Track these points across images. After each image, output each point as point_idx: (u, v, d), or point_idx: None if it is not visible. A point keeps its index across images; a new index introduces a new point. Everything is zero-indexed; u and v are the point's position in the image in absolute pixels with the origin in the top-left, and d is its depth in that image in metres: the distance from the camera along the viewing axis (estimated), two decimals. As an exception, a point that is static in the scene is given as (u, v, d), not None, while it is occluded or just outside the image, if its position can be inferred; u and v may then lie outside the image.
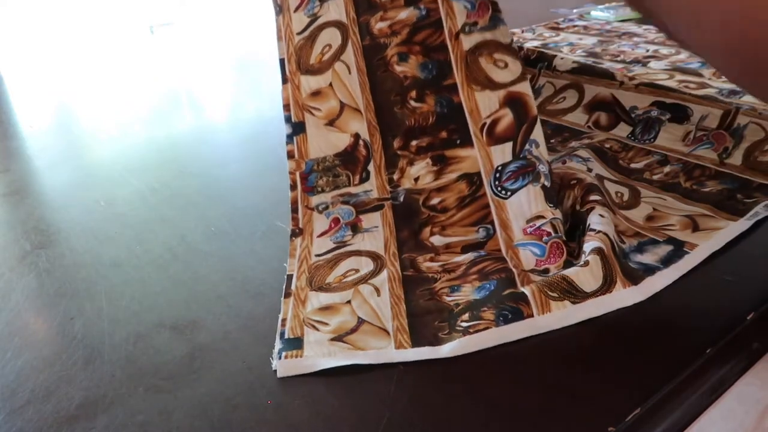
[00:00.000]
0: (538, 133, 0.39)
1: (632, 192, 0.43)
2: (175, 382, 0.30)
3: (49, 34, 1.37)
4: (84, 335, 0.34)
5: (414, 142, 0.41)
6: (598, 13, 1.17)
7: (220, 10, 1.65)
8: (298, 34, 0.43)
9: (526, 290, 0.32)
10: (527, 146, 0.39)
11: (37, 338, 0.35)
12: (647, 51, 0.87)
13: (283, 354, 0.31)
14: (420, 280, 0.35)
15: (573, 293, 0.31)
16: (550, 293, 0.31)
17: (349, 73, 0.42)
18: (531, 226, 0.37)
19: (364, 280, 0.36)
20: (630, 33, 1.00)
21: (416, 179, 0.41)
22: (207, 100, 0.75)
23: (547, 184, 0.38)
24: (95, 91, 0.88)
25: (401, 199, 0.40)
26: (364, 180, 0.41)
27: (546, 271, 0.35)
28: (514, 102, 0.39)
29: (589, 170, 0.45)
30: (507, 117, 0.39)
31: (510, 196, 0.38)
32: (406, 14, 0.41)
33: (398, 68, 0.41)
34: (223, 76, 0.93)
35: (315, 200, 0.40)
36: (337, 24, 0.42)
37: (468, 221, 0.39)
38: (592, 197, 0.39)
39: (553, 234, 0.36)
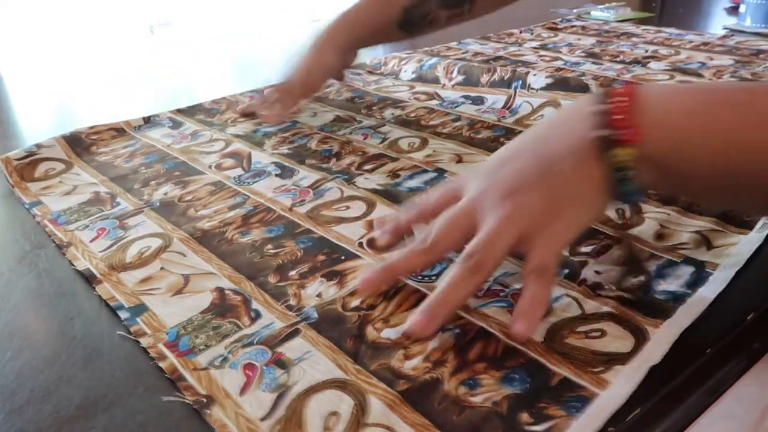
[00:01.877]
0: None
1: (633, 207, 0.43)
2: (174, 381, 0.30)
3: (49, 34, 1.37)
4: (84, 335, 0.34)
5: (293, 272, 0.38)
6: (598, 13, 1.17)
7: (220, 10, 1.65)
8: (102, 251, 0.42)
9: (570, 375, 0.28)
10: None
11: (37, 338, 0.35)
12: (646, 51, 0.87)
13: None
14: (424, 389, 0.28)
15: (616, 359, 0.29)
16: (594, 370, 0.29)
17: (184, 256, 0.41)
18: (480, 290, 0.35)
19: (360, 424, 0.27)
20: (628, 33, 1.00)
21: (319, 295, 0.36)
22: (206, 100, 0.75)
23: None
24: (95, 92, 0.88)
25: (315, 315, 0.34)
26: (256, 319, 0.34)
27: None
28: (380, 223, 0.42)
29: None
30: (384, 236, 0.41)
31: (437, 279, 0.36)
32: (233, 214, 0.46)
33: (244, 239, 0.43)
34: (222, 76, 0.93)
35: (203, 359, 0.31)
36: (154, 235, 0.44)
37: (407, 305, 0.34)
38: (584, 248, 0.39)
39: (507, 289, 0.35)
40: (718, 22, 1.07)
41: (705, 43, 0.90)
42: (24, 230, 0.46)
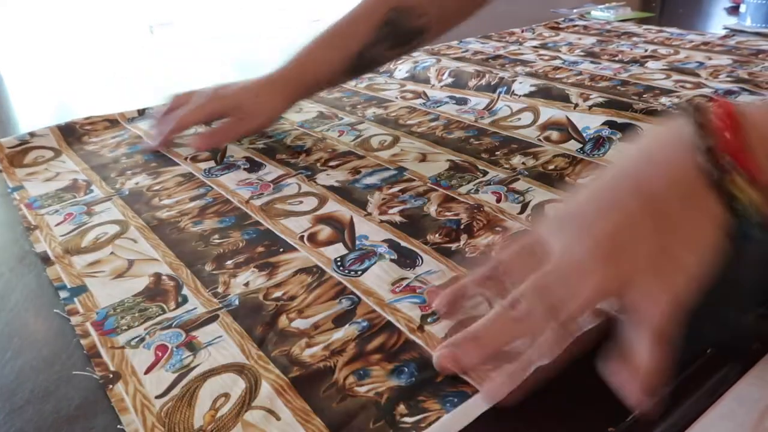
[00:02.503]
0: (364, 228, 0.42)
1: None
2: (175, 382, 0.30)
3: (49, 34, 1.37)
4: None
5: (229, 262, 0.39)
6: (598, 13, 1.17)
7: (220, 10, 1.65)
8: (62, 236, 0.44)
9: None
10: (358, 241, 0.41)
11: (37, 338, 0.35)
12: (645, 51, 0.87)
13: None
14: (314, 377, 0.29)
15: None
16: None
17: (136, 242, 0.42)
18: (398, 286, 0.36)
19: (244, 406, 0.28)
20: (629, 33, 1.00)
21: (246, 284, 0.37)
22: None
23: (395, 257, 0.39)
24: (95, 92, 0.88)
25: (236, 303, 0.35)
26: (182, 303, 0.35)
27: (435, 313, 0.33)
28: (325, 220, 0.44)
29: (527, 202, 0.45)
30: (324, 230, 0.42)
31: (362, 274, 0.37)
32: (192, 204, 0.47)
33: (194, 229, 0.44)
34: (222, 76, 0.93)
35: (123, 338, 0.33)
36: (113, 222, 0.46)
37: (325, 297, 0.35)
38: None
39: (425, 286, 0.35)
40: (719, 22, 1.07)
41: (705, 43, 0.90)
42: (24, 230, 0.46)
